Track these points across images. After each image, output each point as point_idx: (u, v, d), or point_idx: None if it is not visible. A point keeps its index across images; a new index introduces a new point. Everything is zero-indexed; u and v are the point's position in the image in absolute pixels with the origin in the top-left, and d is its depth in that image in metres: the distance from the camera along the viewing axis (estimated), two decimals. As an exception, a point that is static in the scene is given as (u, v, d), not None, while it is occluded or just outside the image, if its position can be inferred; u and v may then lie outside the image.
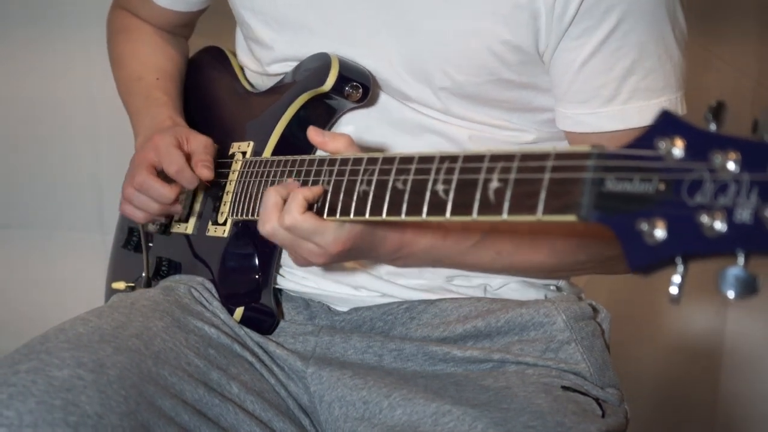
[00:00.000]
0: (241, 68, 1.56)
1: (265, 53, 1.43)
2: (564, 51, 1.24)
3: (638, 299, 2.27)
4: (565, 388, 1.26)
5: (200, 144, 1.40)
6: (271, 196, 1.20)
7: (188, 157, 1.39)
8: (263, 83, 1.49)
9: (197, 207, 1.46)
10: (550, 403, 1.20)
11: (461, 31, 1.26)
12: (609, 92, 1.25)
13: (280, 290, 1.40)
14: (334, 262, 1.23)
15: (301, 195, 1.17)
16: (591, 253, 1.32)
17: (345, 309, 1.38)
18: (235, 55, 1.57)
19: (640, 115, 1.24)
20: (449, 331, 1.33)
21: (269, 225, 1.19)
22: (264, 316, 1.37)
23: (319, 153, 1.35)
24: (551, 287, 1.40)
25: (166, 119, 1.49)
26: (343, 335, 1.35)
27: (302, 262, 1.24)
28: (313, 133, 1.24)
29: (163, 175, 1.39)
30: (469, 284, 1.36)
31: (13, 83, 2.27)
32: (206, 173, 1.37)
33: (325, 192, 1.15)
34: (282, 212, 1.18)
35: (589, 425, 1.19)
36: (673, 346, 2.48)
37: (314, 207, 1.18)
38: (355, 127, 1.35)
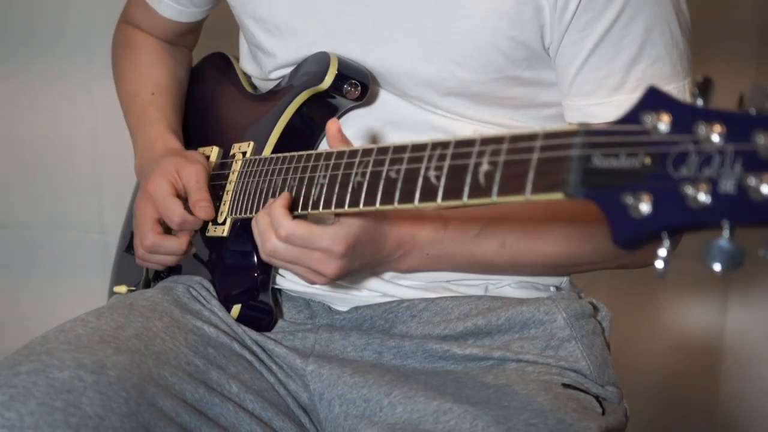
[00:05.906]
0: (244, 72, 1.56)
1: (268, 60, 1.44)
2: (568, 44, 1.25)
3: (638, 297, 2.27)
4: (565, 385, 1.26)
5: (192, 178, 1.39)
6: (261, 219, 1.23)
7: (186, 189, 1.39)
8: (266, 88, 1.50)
9: None
10: (551, 401, 1.20)
11: (463, 30, 1.26)
12: (615, 81, 1.25)
13: (279, 290, 1.40)
14: (346, 267, 1.21)
15: (277, 205, 1.20)
16: (597, 243, 1.30)
17: (345, 308, 1.38)
18: (237, 60, 1.58)
19: None
20: (450, 329, 1.33)
21: (269, 244, 1.21)
22: (261, 314, 1.37)
23: (318, 149, 1.35)
24: (551, 288, 1.40)
25: (157, 139, 1.49)
26: (342, 332, 1.35)
27: (315, 277, 1.23)
28: None
29: (166, 225, 1.41)
30: (470, 283, 1.36)
31: (13, 83, 2.26)
32: (205, 214, 1.37)
33: (321, 186, 1.16)
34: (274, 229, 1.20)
35: (589, 423, 1.19)
36: (673, 344, 2.48)
37: (298, 208, 1.19)
38: (357, 126, 1.35)
